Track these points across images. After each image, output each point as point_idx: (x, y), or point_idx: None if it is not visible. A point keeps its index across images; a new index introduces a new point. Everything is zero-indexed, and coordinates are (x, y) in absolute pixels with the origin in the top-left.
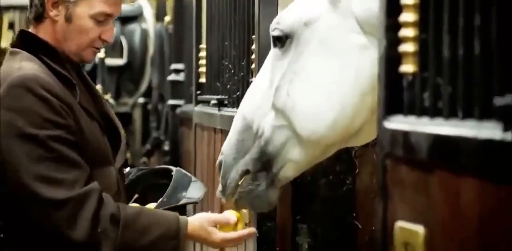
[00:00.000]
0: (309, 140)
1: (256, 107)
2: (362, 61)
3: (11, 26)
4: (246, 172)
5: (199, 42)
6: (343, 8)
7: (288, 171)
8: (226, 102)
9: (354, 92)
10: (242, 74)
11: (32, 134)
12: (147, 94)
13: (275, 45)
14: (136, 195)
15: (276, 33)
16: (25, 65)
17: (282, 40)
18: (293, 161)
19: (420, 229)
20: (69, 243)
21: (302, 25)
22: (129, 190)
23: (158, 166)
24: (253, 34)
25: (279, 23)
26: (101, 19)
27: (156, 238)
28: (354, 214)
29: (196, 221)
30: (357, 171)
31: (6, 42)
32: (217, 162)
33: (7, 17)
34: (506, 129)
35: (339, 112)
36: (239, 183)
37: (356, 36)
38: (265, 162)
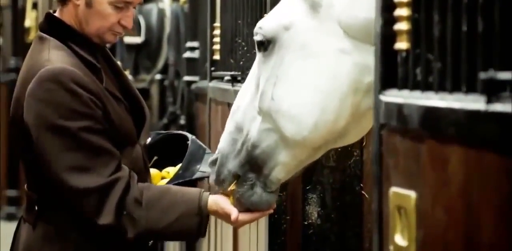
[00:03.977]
0: (294, 141)
1: (245, 111)
2: (342, 65)
3: (34, 6)
4: (237, 176)
5: (213, 20)
6: (323, 12)
7: (279, 174)
8: (239, 78)
9: (333, 95)
10: (254, 51)
11: (63, 125)
12: (164, 70)
13: (259, 50)
14: (155, 157)
15: (258, 38)
16: (54, 57)
17: (265, 45)
18: (283, 164)
19: (412, 193)
20: (97, 226)
21: (283, 29)
22: (148, 154)
23: (175, 131)
24: (265, 13)
25: (261, 28)
26: (120, 6)
27: (179, 216)
28: (361, 185)
29: (215, 198)
30: (364, 143)
31: (30, 22)
32: (212, 159)
33: None
34: (488, 101)
35: (319, 115)
36: (233, 188)
37: (337, 40)
38: (254, 165)
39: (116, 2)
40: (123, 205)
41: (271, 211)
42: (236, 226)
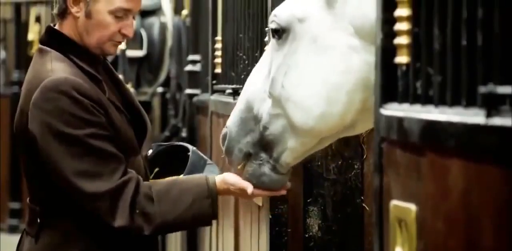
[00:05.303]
0: (302, 129)
1: (256, 91)
2: (352, 61)
3: (37, 19)
4: (249, 154)
5: (215, 34)
6: (338, 9)
7: (287, 158)
8: (240, 91)
9: (342, 89)
10: (255, 64)
11: (69, 133)
12: (166, 83)
13: (273, 36)
14: (156, 169)
15: (273, 25)
16: (57, 67)
17: (279, 33)
18: (291, 149)
19: (412, 206)
20: (113, 229)
21: (297, 21)
22: (150, 165)
23: (176, 143)
24: (266, 27)
25: (276, 16)
26: (120, 15)
27: (192, 202)
28: (362, 197)
29: (222, 177)
30: (364, 156)
31: (33, 35)
32: (221, 135)
33: (34, 11)
34: (488, 114)
35: (326, 107)
36: (244, 165)
37: (348, 38)
38: (265, 145)
39: (115, 11)
40: (134, 205)
41: (285, 192)
42: (250, 199)
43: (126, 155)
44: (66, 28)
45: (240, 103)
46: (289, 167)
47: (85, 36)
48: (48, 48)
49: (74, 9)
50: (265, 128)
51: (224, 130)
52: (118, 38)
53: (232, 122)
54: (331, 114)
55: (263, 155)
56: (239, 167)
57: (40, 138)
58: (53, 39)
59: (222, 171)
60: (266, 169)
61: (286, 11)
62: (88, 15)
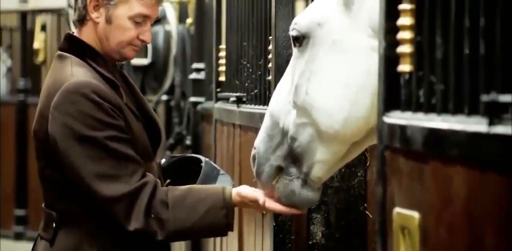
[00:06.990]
0: (327, 135)
1: (281, 104)
2: (373, 63)
3: (43, 28)
4: (279, 168)
5: (219, 42)
6: (355, 10)
7: (318, 172)
8: (244, 99)
9: (364, 92)
10: (259, 72)
11: (89, 135)
12: (170, 91)
13: (294, 45)
14: (168, 180)
15: (294, 33)
16: (77, 72)
17: (300, 40)
18: (321, 162)
19: (415, 214)
20: (127, 232)
21: (316, 26)
22: (162, 176)
23: (189, 155)
24: (270, 35)
25: (296, 24)
26: (139, 21)
27: (206, 211)
28: (365, 205)
29: (237, 190)
30: (368, 164)
31: (39, 44)
32: (251, 156)
33: (39, 20)
34: (491, 123)
35: (350, 111)
36: (275, 180)
37: (368, 39)
38: (294, 157)
39: (135, 17)
40: (151, 208)
41: (302, 212)
42: (267, 211)
43: (143, 161)
44: (85, 34)
45: (266, 120)
46: (321, 182)
47: (104, 41)
48: (67, 54)
49: (94, 15)
50: (293, 139)
51: (253, 151)
52: (137, 43)
53: (259, 140)
54: (356, 117)
55: (293, 170)
56: (273, 183)
57: (60, 140)
58: (73, 45)
59: (234, 180)
60: (296, 185)
61: (306, 18)
62: (108, 20)
